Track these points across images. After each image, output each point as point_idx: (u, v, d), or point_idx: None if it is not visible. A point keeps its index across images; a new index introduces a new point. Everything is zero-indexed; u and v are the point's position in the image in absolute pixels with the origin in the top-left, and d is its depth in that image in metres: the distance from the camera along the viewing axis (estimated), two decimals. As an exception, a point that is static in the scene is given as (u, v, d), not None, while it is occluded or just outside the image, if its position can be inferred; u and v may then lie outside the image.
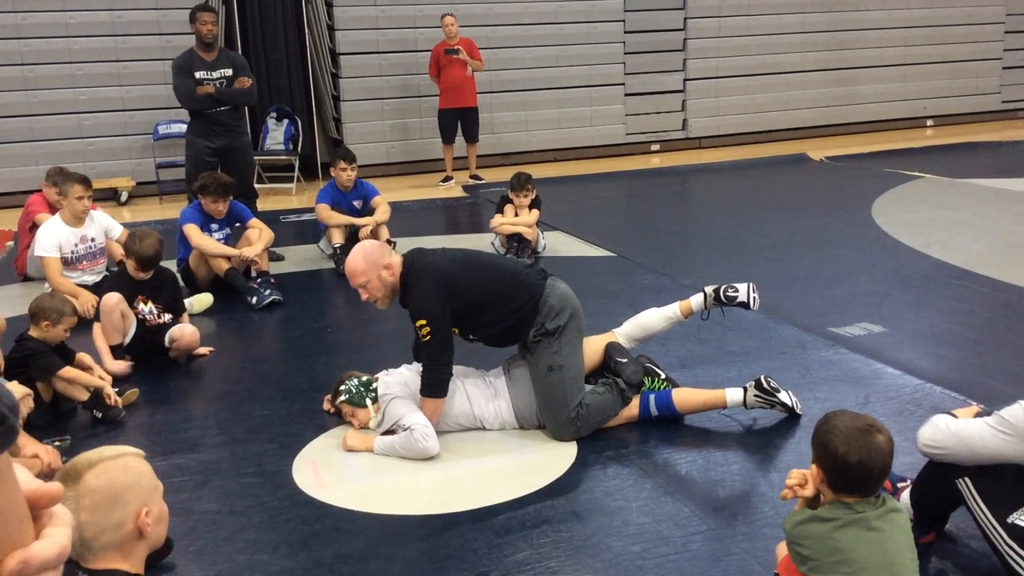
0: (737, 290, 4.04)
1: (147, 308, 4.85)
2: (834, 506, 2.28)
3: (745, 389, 3.82)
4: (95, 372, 4.27)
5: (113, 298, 4.69)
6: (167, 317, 4.90)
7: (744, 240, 7.16)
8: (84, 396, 4.11)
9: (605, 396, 3.79)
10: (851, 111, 13.14)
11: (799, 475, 2.41)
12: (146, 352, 4.79)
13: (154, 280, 4.88)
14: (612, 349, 3.97)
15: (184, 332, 4.83)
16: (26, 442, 3.46)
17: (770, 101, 12.66)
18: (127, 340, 4.76)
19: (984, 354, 4.61)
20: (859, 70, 13.03)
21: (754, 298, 4.04)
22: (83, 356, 4.31)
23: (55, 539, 0.77)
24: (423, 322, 3.65)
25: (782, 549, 2.50)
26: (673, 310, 4.14)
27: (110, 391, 4.14)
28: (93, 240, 6.00)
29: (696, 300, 4.11)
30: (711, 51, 12.28)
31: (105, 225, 6.17)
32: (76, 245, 5.89)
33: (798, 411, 3.84)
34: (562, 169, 11.01)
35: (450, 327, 3.73)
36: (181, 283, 5.68)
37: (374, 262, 3.76)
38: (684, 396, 3.87)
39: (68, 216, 5.89)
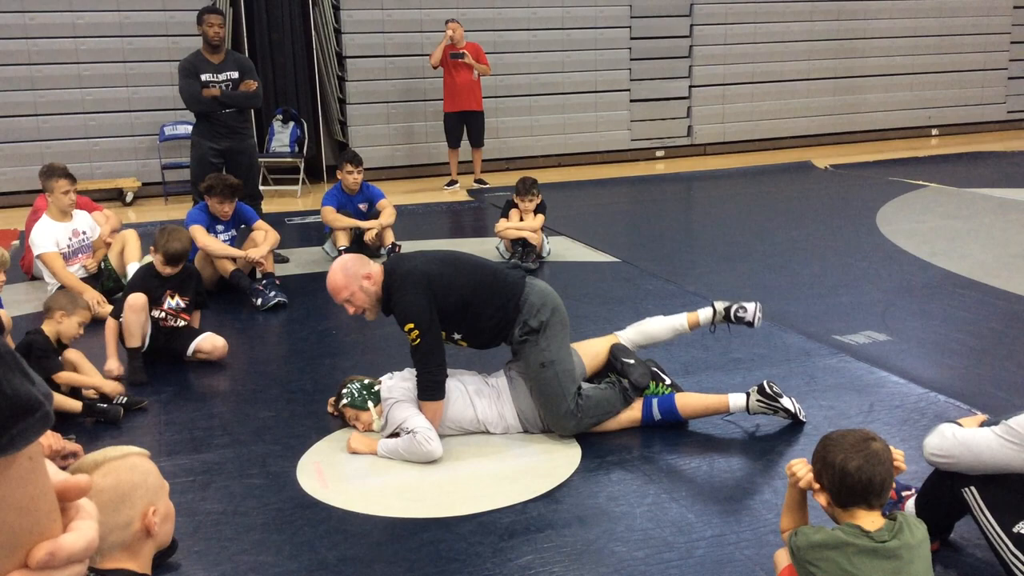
0: (746, 310, 4.13)
1: (174, 302, 4.84)
2: (852, 530, 2.25)
3: (748, 394, 3.83)
4: (82, 374, 4.23)
5: (141, 299, 4.66)
6: (181, 322, 4.89)
7: (749, 247, 7.16)
8: (78, 408, 4.05)
9: (607, 391, 3.81)
10: (856, 120, 13.14)
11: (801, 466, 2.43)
12: (158, 354, 4.79)
13: (181, 275, 4.89)
14: (618, 351, 3.98)
15: (216, 345, 4.83)
16: None
17: (775, 109, 12.67)
18: (144, 346, 4.72)
19: (989, 364, 4.60)
20: (865, 79, 13.04)
21: (758, 318, 4.15)
22: (73, 354, 4.24)
23: (83, 532, 0.77)
24: (411, 326, 3.64)
25: (781, 558, 2.49)
26: (680, 321, 4.16)
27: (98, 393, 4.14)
28: (84, 233, 6.07)
29: (704, 314, 4.15)
30: (717, 58, 12.29)
31: (91, 222, 6.23)
32: (70, 239, 5.96)
33: (801, 417, 3.84)
34: (567, 174, 11.02)
35: (439, 329, 3.72)
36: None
37: (353, 274, 3.74)
38: (687, 400, 3.88)
39: (55, 212, 5.95)
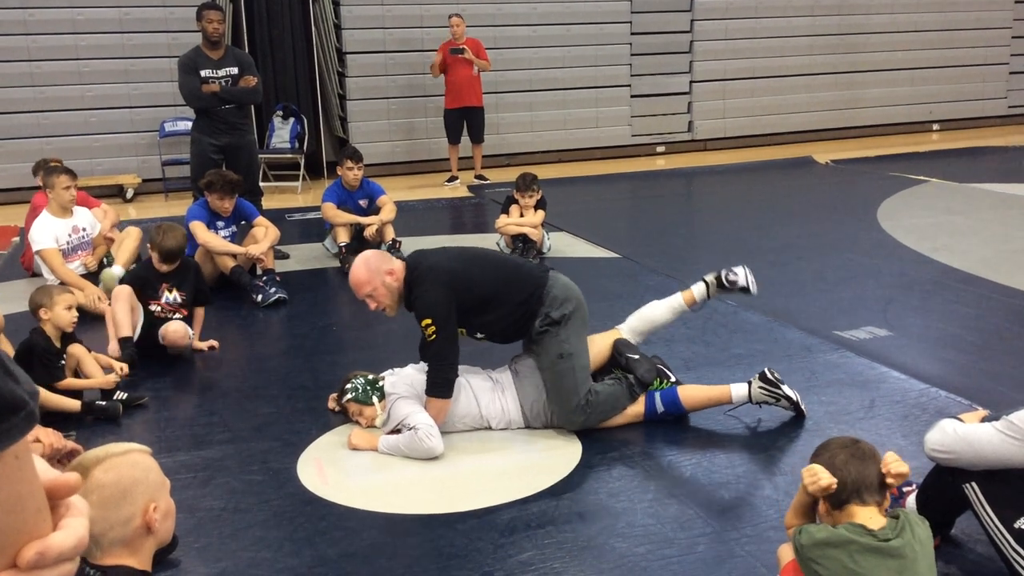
0: (736, 274, 4.09)
1: (171, 296, 4.87)
2: (856, 528, 2.25)
3: (750, 383, 3.83)
4: (85, 370, 4.24)
5: (125, 290, 4.72)
6: (178, 316, 4.89)
7: (749, 243, 7.15)
8: (77, 407, 4.04)
9: (615, 387, 3.81)
10: (857, 115, 13.12)
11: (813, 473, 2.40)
12: (149, 347, 4.79)
13: (179, 270, 4.91)
14: (622, 345, 3.98)
15: (168, 329, 4.81)
16: None
17: (776, 104, 12.65)
18: (136, 334, 4.75)
19: (990, 359, 4.60)
20: (866, 74, 13.02)
21: (752, 280, 4.10)
22: (76, 349, 4.24)
23: (73, 530, 0.76)
24: (428, 321, 3.64)
25: (784, 553, 2.49)
26: (677, 300, 4.16)
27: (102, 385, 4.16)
28: (84, 230, 6.07)
29: (698, 289, 4.13)
30: (718, 53, 12.27)
31: (91, 219, 6.22)
32: (69, 235, 5.97)
33: (802, 407, 3.83)
34: (567, 170, 11.00)
35: (456, 326, 3.72)
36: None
37: (376, 269, 3.75)
38: (690, 392, 3.88)
39: (56, 208, 5.96)
